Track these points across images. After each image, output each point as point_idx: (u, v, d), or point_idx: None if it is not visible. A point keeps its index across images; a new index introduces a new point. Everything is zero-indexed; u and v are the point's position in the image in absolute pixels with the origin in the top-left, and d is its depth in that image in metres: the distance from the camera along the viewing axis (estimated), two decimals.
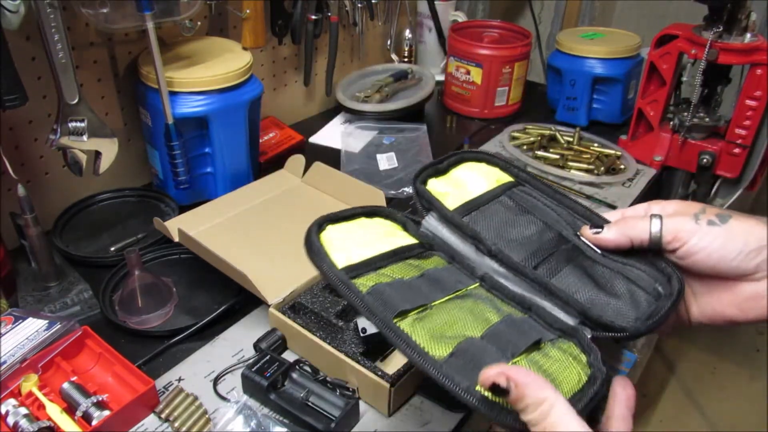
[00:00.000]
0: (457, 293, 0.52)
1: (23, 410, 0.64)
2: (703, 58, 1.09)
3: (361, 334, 0.70)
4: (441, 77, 1.56)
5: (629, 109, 1.37)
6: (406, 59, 1.59)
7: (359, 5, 1.37)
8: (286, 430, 0.67)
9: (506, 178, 0.61)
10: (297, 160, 1.06)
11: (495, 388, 0.39)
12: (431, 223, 0.57)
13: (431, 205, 0.57)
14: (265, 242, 0.89)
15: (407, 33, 1.57)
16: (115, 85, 1.01)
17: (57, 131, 0.84)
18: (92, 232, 0.97)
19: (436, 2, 1.54)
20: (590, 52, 1.32)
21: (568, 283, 0.53)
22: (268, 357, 0.71)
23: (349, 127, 1.33)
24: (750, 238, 0.47)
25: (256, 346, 0.76)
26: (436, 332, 0.46)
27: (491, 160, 0.62)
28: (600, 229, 0.53)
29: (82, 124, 0.85)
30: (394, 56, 1.58)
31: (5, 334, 0.71)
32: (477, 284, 0.54)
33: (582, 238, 0.55)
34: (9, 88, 0.75)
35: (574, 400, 0.42)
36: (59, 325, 0.73)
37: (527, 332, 0.48)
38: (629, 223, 0.52)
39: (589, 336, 0.49)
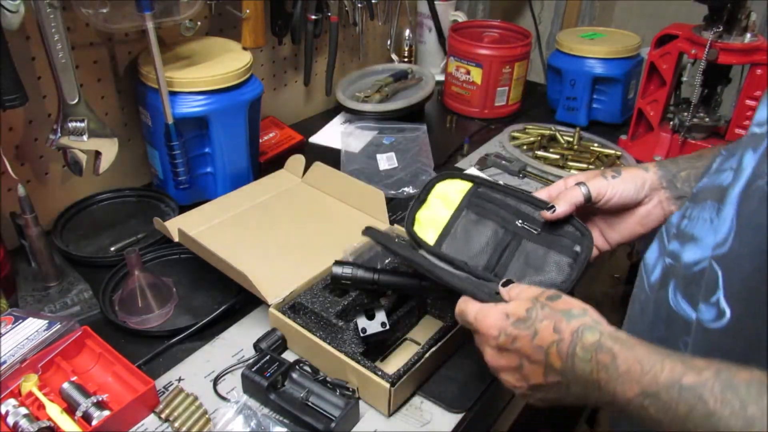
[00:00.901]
0: None
1: (23, 410, 0.64)
2: (703, 58, 1.09)
3: (361, 334, 0.70)
4: (441, 77, 1.56)
5: (629, 109, 1.37)
6: (406, 59, 1.59)
7: (359, 5, 1.37)
8: (286, 430, 0.67)
9: (467, 185, 0.80)
10: (297, 160, 1.06)
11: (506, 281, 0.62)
12: (423, 254, 0.76)
13: (419, 245, 0.78)
14: (264, 242, 0.89)
15: (407, 33, 1.57)
16: (115, 85, 1.01)
17: (57, 131, 0.84)
18: (92, 232, 0.97)
19: (436, 2, 1.54)
20: (590, 52, 1.32)
21: (516, 272, 0.72)
22: (268, 357, 0.71)
23: (349, 127, 1.33)
24: (637, 179, 0.71)
25: (256, 346, 0.76)
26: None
27: (453, 174, 0.82)
28: (554, 208, 0.71)
29: (82, 124, 0.85)
30: (394, 56, 1.58)
31: (5, 334, 0.71)
32: None
33: (525, 224, 0.75)
34: (9, 88, 0.75)
35: None
36: (59, 325, 0.73)
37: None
38: (567, 195, 0.71)
39: None
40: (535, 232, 0.74)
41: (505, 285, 0.61)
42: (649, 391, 0.44)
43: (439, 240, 0.78)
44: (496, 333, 0.56)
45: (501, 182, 0.83)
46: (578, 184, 0.71)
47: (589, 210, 0.74)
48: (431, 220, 0.79)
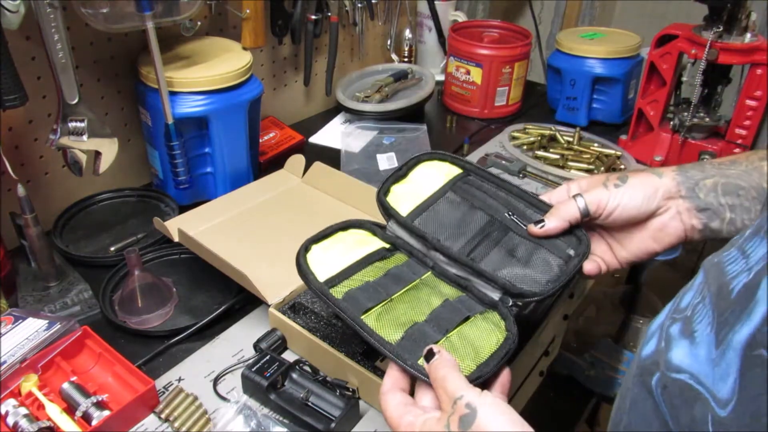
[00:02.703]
0: (412, 284, 0.64)
1: (23, 410, 0.64)
2: (703, 58, 1.09)
3: None
4: (441, 77, 1.56)
5: (629, 109, 1.37)
6: (406, 59, 1.59)
7: (359, 5, 1.37)
8: (286, 430, 0.67)
9: (456, 170, 0.72)
10: (297, 160, 1.06)
11: (428, 353, 0.53)
12: (393, 227, 0.69)
13: (389, 213, 0.69)
14: (264, 242, 0.89)
15: (407, 33, 1.57)
16: (115, 85, 1.01)
17: (57, 131, 0.84)
18: (92, 232, 0.97)
19: (436, 2, 1.54)
20: (590, 52, 1.32)
21: (495, 262, 0.65)
22: (268, 357, 0.71)
23: (349, 127, 1.33)
24: (646, 187, 0.62)
25: (256, 346, 0.76)
26: (394, 321, 0.59)
27: (443, 156, 0.73)
28: (543, 223, 0.64)
29: (82, 124, 0.85)
30: (394, 56, 1.58)
31: (5, 334, 0.71)
32: (429, 273, 0.66)
33: (514, 217, 0.67)
34: (9, 88, 0.75)
35: (491, 359, 0.56)
36: (59, 325, 0.73)
37: (460, 311, 0.61)
38: (561, 209, 0.63)
39: (509, 304, 0.62)
40: (525, 227, 0.66)
41: (428, 358, 0.53)
42: None
43: (413, 214, 0.68)
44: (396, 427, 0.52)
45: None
46: (575, 196, 0.63)
47: (591, 224, 0.66)
48: (408, 194, 0.70)
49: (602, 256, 0.67)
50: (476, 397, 0.49)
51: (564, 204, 0.64)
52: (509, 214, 0.67)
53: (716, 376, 0.37)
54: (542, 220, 0.64)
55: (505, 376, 0.56)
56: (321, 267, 0.64)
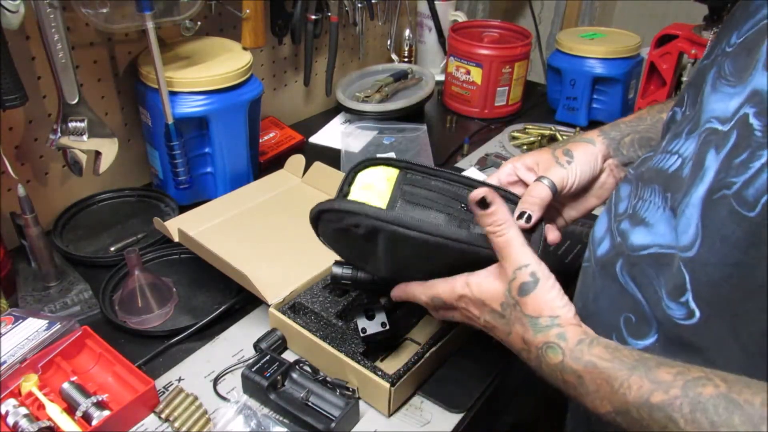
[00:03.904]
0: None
1: (23, 410, 0.64)
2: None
3: (361, 334, 0.70)
4: (441, 77, 1.55)
5: (629, 109, 1.37)
6: (406, 59, 1.59)
7: (359, 5, 1.37)
8: (286, 430, 0.67)
9: (393, 171, 0.67)
10: (297, 160, 1.06)
11: (482, 201, 0.53)
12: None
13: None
14: (264, 242, 0.89)
15: (407, 33, 1.57)
16: (115, 85, 1.01)
17: (57, 131, 0.84)
18: (92, 232, 0.97)
19: (436, 2, 1.54)
20: (590, 52, 1.32)
21: None
22: (268, 357, 0.71)
23: (349, 127, 1.33)
24: (589, 156, 0.68)
25: (256, 346, 0.76)
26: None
27: (375, 161, 0.68)
28: (529, 215, 0.62)
29: (82, 124, 0.85)
30: (394, 56, 1.58)
31: (5, 334, 0.71)
32: None
33: (466, 207, 0.64)
34: (9, 88, 0.75)
35: None
36: (59, 325, 0.73)
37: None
38: (535, 197, 0.63)
39: None
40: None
41: (482, 205, 0.55)
42: (620, 409, 0.45)
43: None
44: (478, 313, 0.57)
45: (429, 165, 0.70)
46: (540, 178, 0.65)
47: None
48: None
49: (556, 223, 0.72)
50: (542, 269, 0.53)
51: (534, 189, 0.64)
52: (463, 207, 0.64)
53: (679, 233, 0.47)
54: (526, 213, 0.62)
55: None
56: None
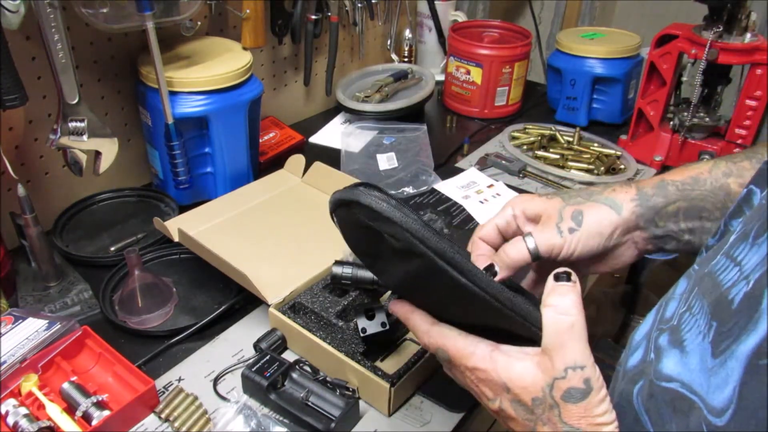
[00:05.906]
0: None
1: (23, 410, 0.64)
2: (703, 58, 1.09)
3: (361, 334, 0.70)
4: (441, 77, 1.56)
5: (629, 109, 1.37)
6: (406, 59, 1.59)
7: (359, 5, 1.37)
8: (286, 430, 0.67)
9: None
10: (297, 160, 1.06)
11: (567, 273, 0.46)
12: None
13: None
14: (264, 242, 0.89)
15: (407, 33, 1.57)
16: (115, 85, 1.01)
17: (57, 131, 0.84)
18: (92, 232, 0.97)
19: (436, 2, 1.54)
20: (590, 52, 1.32)
21: None
22: (268, 357, 0.71)
23: (349, 127, 1.33)
24: (603, 227, 0.57)
25: (256, 346, 0.76)
26: None
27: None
28: (495, 273, 0.57)
29: (82, 124, 0.85)
30: (394, 56, 1.58)
31: (5, 334, 0.71)
32: None
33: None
34: (9, 88, 0.75)
35: None
36: (59, 325, 0.73)
37: None
38: (509, 254, 0.57)
39: None
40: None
41: (558, 276, 0.47)
42: None
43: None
44: (492, 396, 0.48)
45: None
46: (526, 237, 0.58)
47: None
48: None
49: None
50: (596, 376, 0.44)
51: (513, 250, 0.58)
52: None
53: (712, 385, 0.36)
54: (492, 267, 0.57)
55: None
56: None
